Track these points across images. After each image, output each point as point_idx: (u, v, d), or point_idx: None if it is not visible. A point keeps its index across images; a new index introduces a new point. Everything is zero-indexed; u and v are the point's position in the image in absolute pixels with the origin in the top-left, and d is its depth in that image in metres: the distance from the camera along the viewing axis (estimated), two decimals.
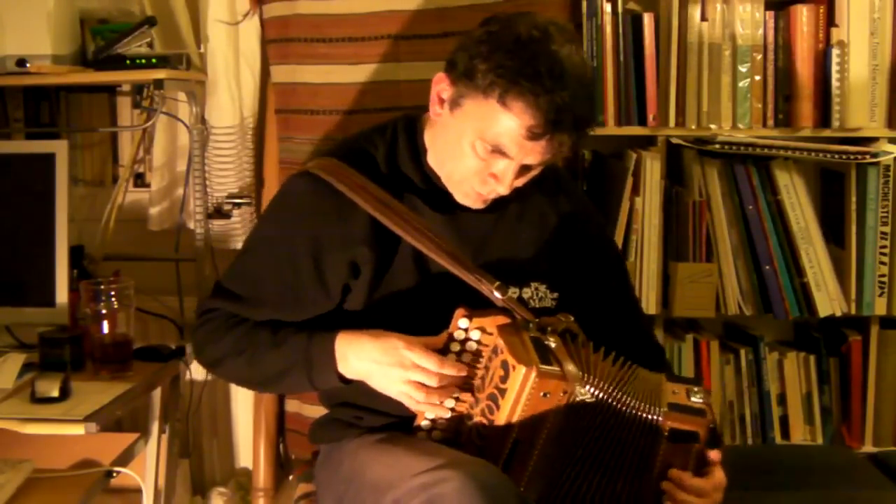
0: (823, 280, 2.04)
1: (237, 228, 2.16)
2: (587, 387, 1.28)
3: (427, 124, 1.47)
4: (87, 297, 1.73)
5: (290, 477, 1.90)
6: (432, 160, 1.45)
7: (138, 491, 1.83)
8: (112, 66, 1.92)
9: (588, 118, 1.34)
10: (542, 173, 1.41)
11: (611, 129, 2.03)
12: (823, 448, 2.13)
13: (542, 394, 1.26)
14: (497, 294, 1.36)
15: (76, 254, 1.96)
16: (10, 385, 1.64)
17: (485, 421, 1.29)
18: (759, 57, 2.02)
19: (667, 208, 2.04)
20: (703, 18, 2.01)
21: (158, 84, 1.90)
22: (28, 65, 1.87)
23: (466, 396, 1.33)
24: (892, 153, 2.02)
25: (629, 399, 1.31)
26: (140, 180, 2.27)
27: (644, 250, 2.03)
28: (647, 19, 2.01)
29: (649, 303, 2.03)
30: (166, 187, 2.19)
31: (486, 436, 1.29)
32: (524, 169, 1.36)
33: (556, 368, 1.27)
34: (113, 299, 1.69)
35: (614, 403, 1.30)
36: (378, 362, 1.33)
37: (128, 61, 1.91)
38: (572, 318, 1.40)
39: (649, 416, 1.31)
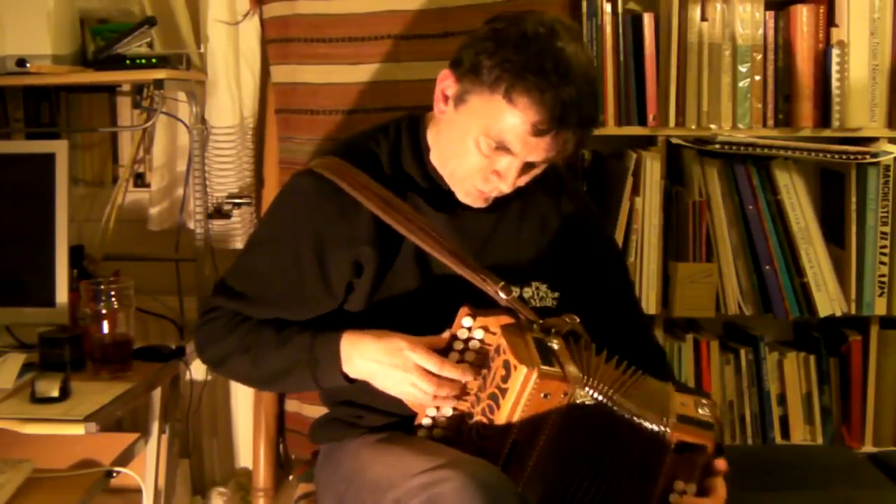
0: (823, 280, 2.04)
1: (237, 228, 2.16)
2: (588, 389, 1.28)
3: (430, 123, 1.48)
4: (87, 297, 1.72)
5: (290, 477, 1.90)
6: (435, 159, 1.45)
7: (138, 491, 1.83)
8: (112, 66, 1.92)
9: (593, 116, 1.34)
10: (544, 173, 1.41)
11: (611, 129, 2.03)
12: (823, 448, 2.13)
13: (542, 394, 1.26)
14: (501, 294, 1.36)
15: (76, 254, 1.96)
16: (10, 385, 1.64)
17: (485, 420, 1.29)
18: (759, 57, 2.02)
19: (667, 208, 2.04)
20: (703, 18, 2.01)
21: (158, 84, 1.90)
22: (28, 65, 1.87)
23: (467, 396, 1.33)
24: (892, 153, 2.02)
25: (634, 406, 1.30)
26: (140, 180, 2.27)
27: (644, 250, 2.03)
28: (647, 19, 2.01)
29: (649, 303, 2.03)
30: (166, 187, 2.19)
31: (487, 435, 1.29)
32: (527, 167, 1.36)
33: (557, 370, 1.27)
34: (113, 299, 1.69)
35: (616, 408, 1.30)
36: (381, 363, 1.33)
37: (128, 61, 1.91)
38: (578, 320, 1.40)
39: (656, 427, 1.30)
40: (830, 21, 2.02)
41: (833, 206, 2.13)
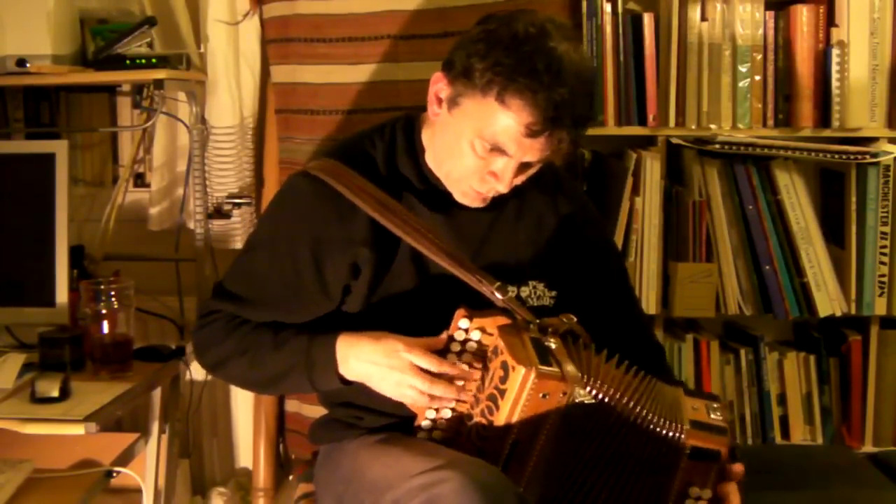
0: (823, 280, 2.04)
1: (237, 228, 2.17)
2: (587, 388, 1.28)
3: (425, 124, 1.47)
4: (87, 297, 1.73)
5: (290, 477, 1.90)
6: (430, 159, 1.45)
7: (138, 491, 1.83)
8: (112, 66, 1.92)
9: (587, 114, 1.34)
10: (541, 171, 1.41)
11: (611, 129, 2.03)
12: (823, 448, 2.13)
13: (541, 395, 1.25)
14: (498, 294, 1.36)
15: (76, 254, 1.97)
16: (10, 385, 1.64)
17: (484, 421, 1.29)
18: (759, 57, 2.02)
19: (667, 208, 2.04)
20: (703, 18, 2.01)
21: (158, 84, 1.90)
22: (28, 65, 1.87)
23: (466, 397, 1.33)
24: (892, 153, 2.02)
25: (639, 408, 1.30)
26: (140, 180, 2.27)
27: (644, 250, 2.03)
28: (647, 19, 2.01)
29: (649, 303, 2.03)
30: (166, 187, 2.19)
31: (486, 436, 1.29)
32: (523, 166, 1.36)
33: (555, 369, 1.27)
34: (113, 299, 1.69)
35: (619, 408, 1.29)
36: (378, 364, 1.33)
37: (128, 61, 1.91)
38: (575, 320, 1.39)
39: (670, 432, 1.30)
40: (830, 21, 2.02)
41: (833, 206, 2.13)
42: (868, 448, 2.14)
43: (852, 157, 2.00)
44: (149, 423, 1.87)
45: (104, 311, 1.69)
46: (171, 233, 2.15)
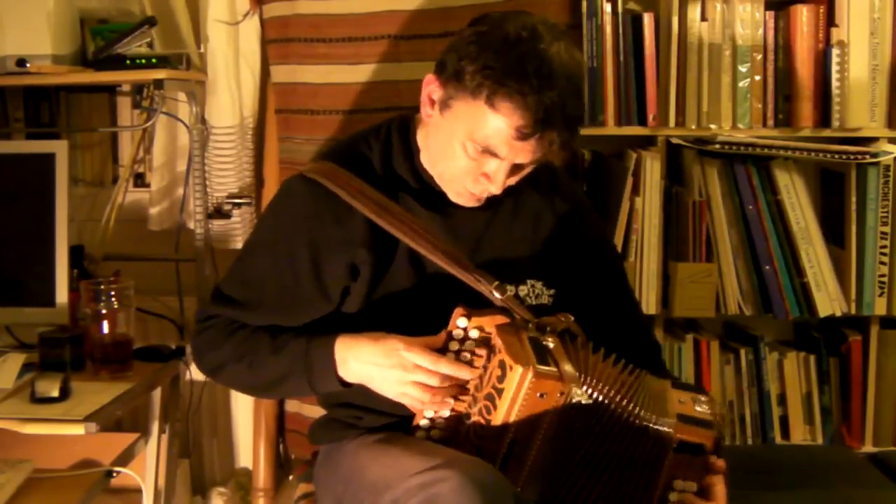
0: (823, 280, 2.04)
1: (237, 228, 2.17)
2: (584, 388, 1.28)
3: (420, 124, 1.48)
4: (87, 297, 1.73)
5: (290, 477, 1.90)
6: (425, 160, 1.46)
7: (138, 491, 1.83)
8: (112, 66, 1.93)
9: (578, 116, 1.34)
10: (537, 171, 1.41)
11: (611, 129, 2.03)
12: (823, 448, 2.13)
13: (538, 394, 1.26)
14: (496, 294, 1.36)
15: (76, 254, 1.97)
16: (10, 385, 1.64)
17: (482, 420, 1.29)
18: (759, 57, 2.01)
19: (667, 208, 2.04)
20: (703, 18, 2.01)
21: (158, 84, 1.90)
22: (28, 65, 1.88)
23: (465, 396, 1.33)
24: (892, 153, 2.02)
25: (632, 406, 1.30)
26: (140, 180, 2.27)
27: (644, 250, 2.02)
28: (647, 19, 2.01)
29: (649, 303, 2.03)
30: (166, 187, 2.19)
31: (484, 435, 1.29)
32: (516, 168, 1.36)
33: (553, 369, 1.27)
34: (113, 299, 1.70)
35: (614, 407, 1.29)
36: (378, 365, 1.33)
37: (128, 61, 1.91)
38: (573, 319, 1.39)
39: (657, 427, 1.30)
40: (830, 21, 2.02)
41: (833, 206, 2.13)
42: (868, 448, 2.13)
43: (852, 157, 2.00)
44: (149, 423, 1.88)
45: (104, 311, 1.69)
46: (171, 233, 2.15)
